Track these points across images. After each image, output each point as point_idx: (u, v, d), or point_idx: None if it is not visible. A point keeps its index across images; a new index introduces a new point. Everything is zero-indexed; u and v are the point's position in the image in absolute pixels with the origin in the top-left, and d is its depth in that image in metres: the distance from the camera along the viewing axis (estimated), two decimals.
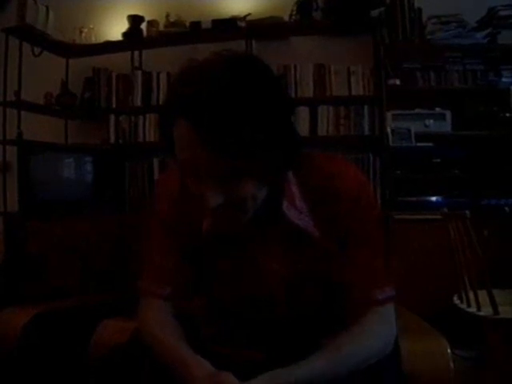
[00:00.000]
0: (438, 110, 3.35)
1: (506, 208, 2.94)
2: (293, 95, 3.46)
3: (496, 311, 2.07)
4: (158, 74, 3.73)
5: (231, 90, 0.76)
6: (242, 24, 3.51)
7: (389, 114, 3.32)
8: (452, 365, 1.44)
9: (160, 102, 3.71)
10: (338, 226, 0.96)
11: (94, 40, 3.82)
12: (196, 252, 1.04)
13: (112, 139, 3.77)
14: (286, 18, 3.54)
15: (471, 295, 2.18)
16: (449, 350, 1.46)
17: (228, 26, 3.49)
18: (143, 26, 3.75)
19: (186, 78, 0.81)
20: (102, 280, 2.53)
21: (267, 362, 0.93)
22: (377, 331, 0.94)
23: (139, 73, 3.78)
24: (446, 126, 3.30)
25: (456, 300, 2.35)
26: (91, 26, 3.83)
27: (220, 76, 0.77)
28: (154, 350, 0.97)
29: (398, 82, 3.33)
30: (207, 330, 1.13)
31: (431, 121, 3.31)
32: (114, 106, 3.81)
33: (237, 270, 1.02)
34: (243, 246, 1.00)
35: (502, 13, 3.22)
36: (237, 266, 1.02)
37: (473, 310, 2.17)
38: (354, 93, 3.48)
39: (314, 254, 0.98)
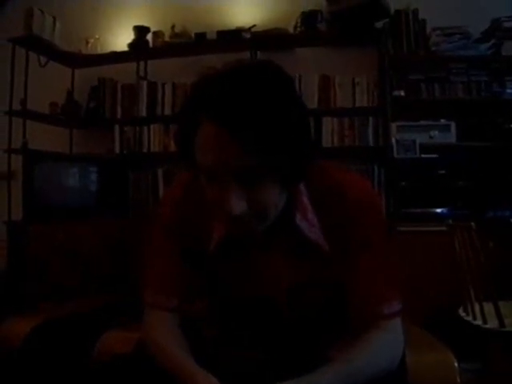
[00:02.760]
0: (442, 121, 3.34)
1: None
2: None
3: (502, 324, 2.06)
4: (163, 85, 3.76)
5: (262, 93, 0.78)
6: (247, 35, 3.54)
7: (393, 125, 3.32)
8: (458, 378, 1.43)
9: (165, 113, 3.72)
10: (345, 239, 0.96)
11: (99, 50, 3.85)
12: (199, 257, 1.04)
13: (117, 149, 3.78)
14: (291, 30, 3.56)
15: (477, 307, 2.16)
16: (456, 364, 1.45)
17: (233, 38, 3.52)
18: (149, 36, 3.78)
19: (213, 82, 0.81)
20: (103, 284, 2.53)
21: (269, 364, 0.93)
22: (385, 346, 0.94)
23: (144, 83, 3.80)
24: (451, 137, 3.30)
25: (461, 312, 2.33)
26: (97, 37, 3.86)
27: (250, 79, 0.79)
28: (159, 362, 0.97)
29: (402, 93, 3.33)
30: (209, 332, 1.13)
31: (436, 132, 3.30)
32: (118, 115, 3.83)
33: (240, 276, 1.03)
34: (249, 253, 1.00)
35: (506, 24, 3.23)
36: (240, 272, 1.02)
37: (478, 322, 2.16)
38: (358, 104, 3.48)
39: (320, 266, 0.98)
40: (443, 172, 3.27)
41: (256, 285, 1.02)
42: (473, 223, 2.17)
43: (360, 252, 0.96)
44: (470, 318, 2.23)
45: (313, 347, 1.04)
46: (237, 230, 0.91)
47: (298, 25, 3.54)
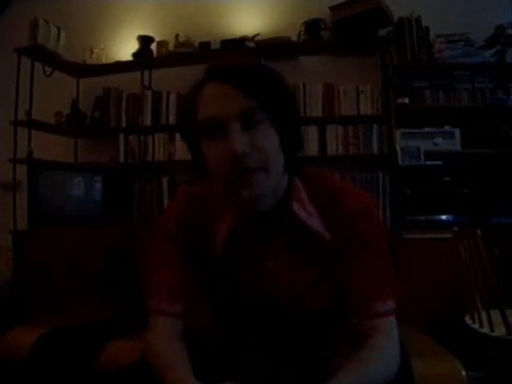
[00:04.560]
0: (446, 128, 3.33)
1: None
2: (301, 114, 3.48)
3: (509, 332, 2.04)
4: (168, 94, 3.77)
5: (257, 64, 1.01)
6: (251, 44, 3.55)
7: (398, 133, 3.31)
8: None
9: (170, 122, 3.73)
10: (344, 238, 0.99)
11: (104, 60, 3.87)
12: (204, 261, 1.05)
13: (121, 158, 3.79)
14: (295, 38, 3.57)
15: (483, 315, 2.15)
16: (463, 373, 1.44)
17: (237, 46, 3.52)
18: (153, 46, 3.81)
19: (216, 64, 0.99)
20: (108, 293, 2.53)
21: (275, 367, 0.93)
22: (384, 355, 0.94)
23: (149, 92, 3.82)
24: (455, 144, 3.29)
25: (468, 320, 2.31)
26: (102, 47, 3.88)
27: (248, 60, 1.03)
28: (157, 372, 0.96)
29: (406, 100, 3.33)
30: (212, 336, 1.14)
31: (440, 139, 3.29)
32: (123, 125, 3.84)
33: (244, 277, 1.04)
34: (253, 252, 1.03)
35: (509, 31, 3.23)
36: (245, 272, 1.04)
37: (485, 330, 2.14)
38: (362, 112, 3.48)
39: (324, 258, 1.01)
40: (448, 179, 3.26)
41: (262, 287, 1.03)
42: (478, 230, 2.16)
43: (356, 252, 0.99)
44: (476, 326, 2.21)
45: (318, 349, 1.05)
46: (241, 187, 0.92)
47: (302, 33, 3.55)
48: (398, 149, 3.27)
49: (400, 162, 3.25)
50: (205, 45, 3.63)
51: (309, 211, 1.00)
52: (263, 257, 1.03)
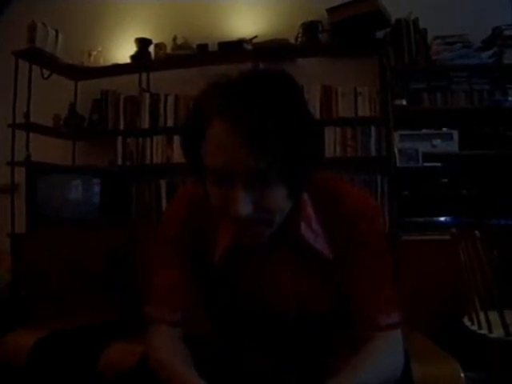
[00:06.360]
0: (444, 129, 3.34)
1: None
2: None
3: (508, 333, 2.04)
4: (166, 96, 3.77)
5: (278, 99, 0.79)
6: (249, 46, 3.55)
7: (396, 135, 3.32)
8: None
9: (168, 124, 3.73)
10: (347, 250, 0.97)
11: (102, 62, 3.87)
12: (205, 269, 1.04)
13: (119, 161, 3.79)
14: (292, 40, 3.58)
15: (482, 316, 2.15)
16: (462, 375, 1.44)
17: (235, 49, 3.53)
18: (151, 48, 3.81)
19: (228, 84, 0.81)
20: (107, 296, 2.53)
21: (275, 375, 0.92)
22: (384, 360, 0.92)
23: (147, 95, 3.82)
24: (453, 146, 3.29)
25: (466, 322, 2.31)
26: (100, 49, 3.89)
27: (266, 84, 0.80)
28: (162, 378, 0.94)
29: (404, 102, 3.34)
30: (212, 343, 1.12)
31: (438, 141, 3.30)
32: (121, 127, 3.84)
33: (246, 289, 1.03)
34: (254, 264, 1.01)
35: (507, 32, 3.24)
36: (246, 284, 1.02)
37: (484, 331, 2.14)
38: (360, 114, 3.48)
39: (327, 277, 0.99)
40: (446, 180, 3.27)
41: (261, 294, 1.02)
42: (477, 231, 2.16)
43: (356, 254, 0.97)
44: (475, 327, 2.22)
45: (320, 352, 1.05)
46: (243, 236, 0.90)
47: (300, 35, 3.56)
48: (396, 151, 3.27)
49: (398, 164, 3.26)
50: (203, 47, 3.64)
51: (315, 231, 0.97)
52: (266, 268, 1.01)
